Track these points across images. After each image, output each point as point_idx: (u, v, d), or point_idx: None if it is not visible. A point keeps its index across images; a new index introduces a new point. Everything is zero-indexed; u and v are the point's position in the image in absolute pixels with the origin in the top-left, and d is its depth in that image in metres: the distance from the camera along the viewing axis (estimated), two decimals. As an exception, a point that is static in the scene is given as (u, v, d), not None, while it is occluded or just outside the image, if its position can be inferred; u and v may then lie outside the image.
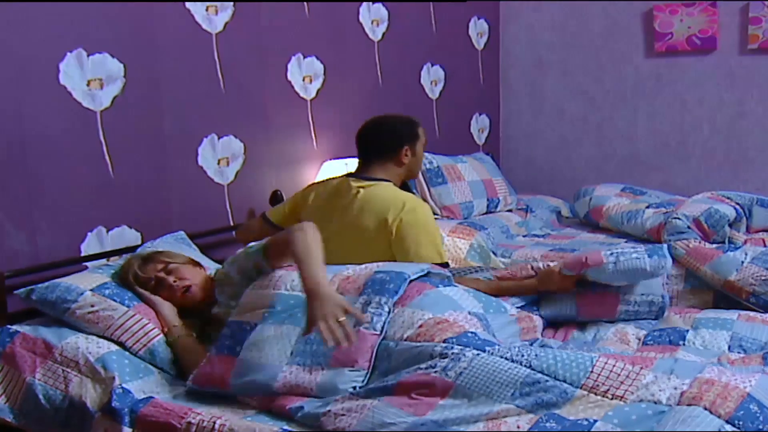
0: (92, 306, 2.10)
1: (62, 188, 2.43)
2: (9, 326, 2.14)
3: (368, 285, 1.95)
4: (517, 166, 4.77)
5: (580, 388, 1.58)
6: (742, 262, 2.63)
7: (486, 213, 3.69)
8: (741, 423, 1.44)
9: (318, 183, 2.78)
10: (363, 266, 2.06)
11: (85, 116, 2.49)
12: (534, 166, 4.77)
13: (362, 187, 2.49)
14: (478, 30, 4.57)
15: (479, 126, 4.68)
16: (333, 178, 2.69)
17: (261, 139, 3.14)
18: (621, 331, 2.24)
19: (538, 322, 2.23)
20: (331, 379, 1.77)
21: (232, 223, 3.04)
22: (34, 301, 2.16)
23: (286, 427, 1.70)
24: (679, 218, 3.07)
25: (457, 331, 1.80)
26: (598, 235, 3.49)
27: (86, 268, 2.45)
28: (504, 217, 3.66)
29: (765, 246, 2.95)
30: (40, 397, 1.98)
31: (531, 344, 2.00)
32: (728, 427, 1.43)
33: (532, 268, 2.45)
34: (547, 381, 1.60)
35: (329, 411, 1.67)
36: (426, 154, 3.65)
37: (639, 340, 2.21)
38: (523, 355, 1.67)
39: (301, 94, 3.33)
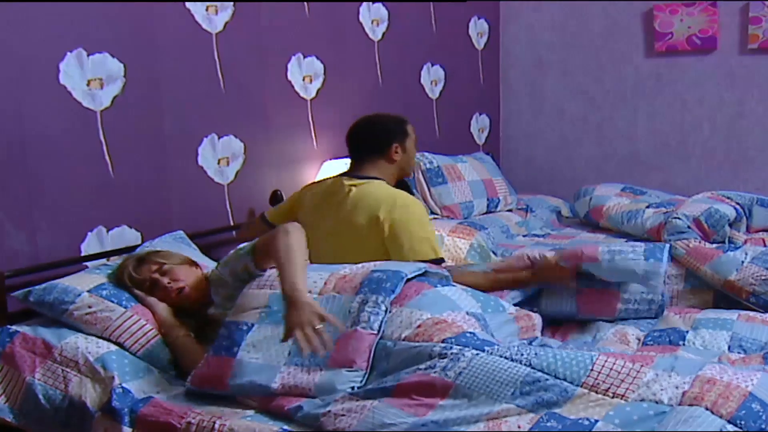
0: (90, 307, 2.10)
1: (62, 188, 2.43)
2: (9, 326, 2.14)
3: (365, 284, 1.94)
4: (517, 165, 4.77)
5: (581, 386, 1.57)
6: (742, 262, 2.62)
7: (486, 213, 3.68)
8: (743, 423, 1.43)
9: (313, 183, 2.82)
10: (360, 265, 2.06)
11: (85, 116, 2.48)
12: (534, 166, 4.76)
13: (354, 186, 2.51)
14: (478, 30, 4.57)
15: (479, 126, 4.68)
16: (327, 178, 2.71)
17: (261, 139, 3.13)
18: (621, 332, 2.24)
19: (537, 320, 2.22)
20: (330, 380, 1.77)
21: (232, 223, 3.04)
22: (32, 302, 2.16)
23: (285, 427, 1.70)
24: (679, 218, 3.07)
25: (456, 332, 1.80)
26: (598, 234, 3.48)
27: (86, 267, 2.45)
28: (504, 217, 3.66)
29: (765, 246, 2.94)
30: (40, 397, 1.98)
31: (530, 343, 2.00)
32: (730, 427, 1.42)
33: (528, 257, 2.45)
34: (547, 380, 1.59)
35: (329, 411, 1.67)
36: (426, 153, 3.66)
37: (639, 340, 2.21)
38: (522, 354, 1.67)
39: (301, 94, 3.33)
